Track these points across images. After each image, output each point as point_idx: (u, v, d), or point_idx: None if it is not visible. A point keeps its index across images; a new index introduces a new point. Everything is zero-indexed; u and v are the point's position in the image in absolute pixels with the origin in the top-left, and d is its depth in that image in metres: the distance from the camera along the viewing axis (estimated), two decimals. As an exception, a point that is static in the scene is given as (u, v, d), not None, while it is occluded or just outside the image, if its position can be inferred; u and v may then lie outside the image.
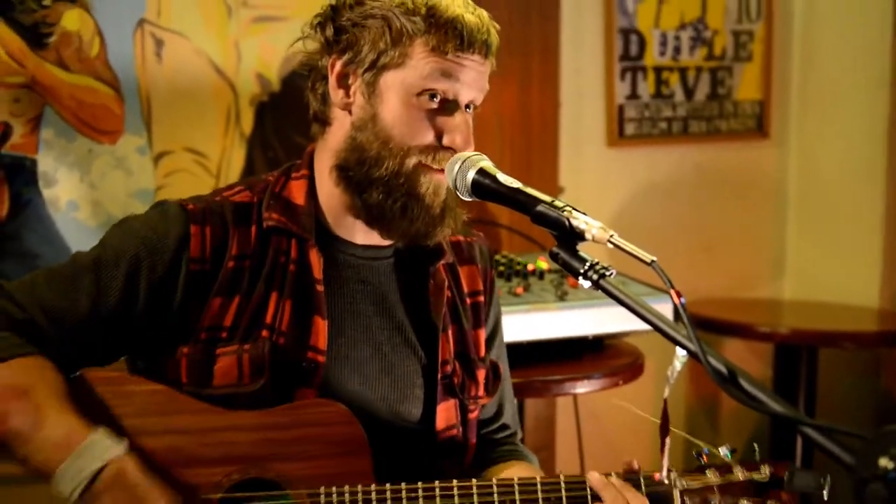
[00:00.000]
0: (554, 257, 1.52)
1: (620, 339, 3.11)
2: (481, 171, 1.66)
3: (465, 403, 1.93)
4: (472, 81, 1.78)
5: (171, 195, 2.78)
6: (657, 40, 3.99)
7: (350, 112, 1.80)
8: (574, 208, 1.52)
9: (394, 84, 1.76)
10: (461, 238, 2.01)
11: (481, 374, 1.98)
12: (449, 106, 1.77)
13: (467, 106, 1.80)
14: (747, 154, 4.26)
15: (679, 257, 4.03)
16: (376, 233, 1.84)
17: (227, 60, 3.04)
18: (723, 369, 1.33)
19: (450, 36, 1.73)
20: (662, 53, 4.00)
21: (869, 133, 4.12)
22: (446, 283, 1.93)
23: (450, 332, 1.93)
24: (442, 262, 1.93)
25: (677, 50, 4.02)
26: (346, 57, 1.78)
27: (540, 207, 1.54)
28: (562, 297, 2.92)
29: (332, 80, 1.80)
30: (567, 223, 1.49)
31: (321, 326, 1.80)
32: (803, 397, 3.86)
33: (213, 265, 1.78)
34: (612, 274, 1.47)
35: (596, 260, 1.48)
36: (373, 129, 1.76)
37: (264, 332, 1.77)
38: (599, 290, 1.47)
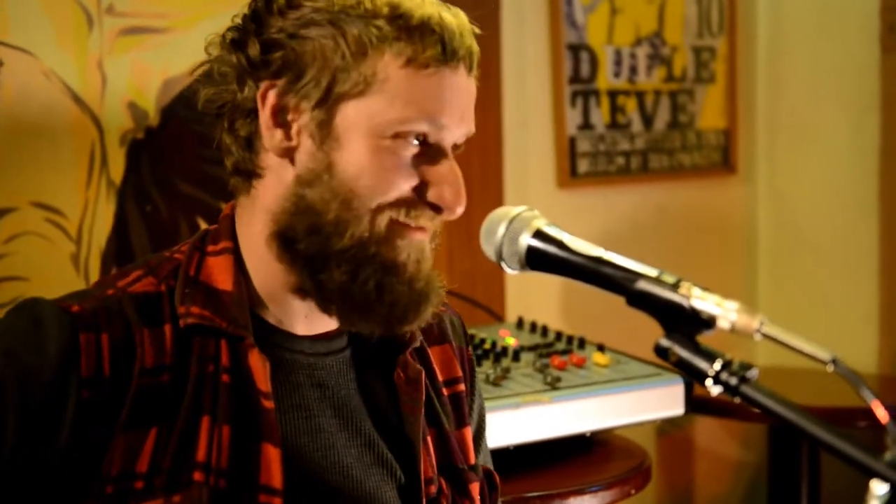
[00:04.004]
0: (661, 354, 1.20)
1: (607, 434, 2.56)
2: (540, 235, 1.33)
3: None
4: (460, 113, 1.42)
5: (16, 269, 2.28)
6: (611, 58, 3.38)
7: (292, 160, 1.43)
8: (693, 284, 1.20)
9: (357, 120, 1.40)
10: None
11: (475, 489, 1.61)
12: (431, 150, 1.42)
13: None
14: (713, 193, 3.71)
15: (638, 318, 3.40)
16: (335, 320, 1.46)
17: (88, 85, 2.46)
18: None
19: (427, 42, 1.38)
20: (617, 74, 3.39)
21: (855, 166, 3.61)
22: (423, 375, 1.55)
23: (429, 440, 1.56)
24: (411, 347, 1.56)
25: (633, 70, 3.43)
26: (281, 83, 1.41)
27: (641, 285, 1.23)
28: (554, 385, 2.35)
29: (264, 116, 1.42)
30: (687, 307, 1.18)
31: (273, 457, 1.41)
32: (806, 489, 3.29)
33: (115, 387, 1.38)
34: (755, 376, 1.16)
35: (729, 356, 1.16)
36: (328, 184, 1.41)
37: (197, 475, 1.38)
38: (739, 399, 1.15)
